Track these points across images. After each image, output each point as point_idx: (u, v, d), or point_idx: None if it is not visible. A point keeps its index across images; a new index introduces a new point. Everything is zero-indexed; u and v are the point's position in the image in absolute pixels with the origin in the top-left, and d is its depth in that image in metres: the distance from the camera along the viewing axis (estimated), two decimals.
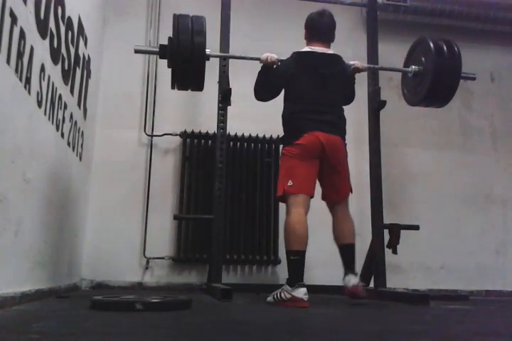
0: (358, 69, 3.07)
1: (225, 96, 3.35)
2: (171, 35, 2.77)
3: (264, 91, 2.93)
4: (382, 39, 3.95)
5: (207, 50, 2.75)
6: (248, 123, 3.96)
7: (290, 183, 2.71)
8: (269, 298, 2.70)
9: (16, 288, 2.11)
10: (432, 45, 3.04)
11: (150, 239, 3.75)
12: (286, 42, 4.25)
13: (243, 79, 3.78)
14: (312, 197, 2.83)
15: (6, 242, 2.00)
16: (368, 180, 3.72)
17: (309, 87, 2.86)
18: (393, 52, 4.33)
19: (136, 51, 2.91)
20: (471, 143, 4.49)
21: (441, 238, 4.19)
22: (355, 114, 4.09)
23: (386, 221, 3.58)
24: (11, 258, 2.07)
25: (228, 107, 3.43)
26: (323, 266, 3.88)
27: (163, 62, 4.02)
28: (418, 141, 4.16)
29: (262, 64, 2.93)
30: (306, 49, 2.94)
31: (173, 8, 4.15)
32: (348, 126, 4.24)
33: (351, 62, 3.06)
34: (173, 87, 2.88)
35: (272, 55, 2.89)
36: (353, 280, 2.72)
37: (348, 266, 2.80)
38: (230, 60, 3.47)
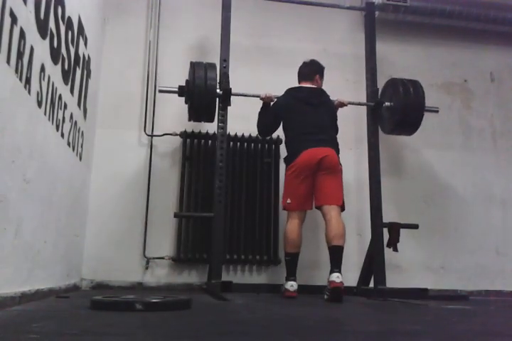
0: (342, 104, 3.60)
1: (225, 97, 3.36)
2: (188, 75, 3.41)
3: (265, 126, 3.49)
4: (382, 39, 3.96)
5: (217, 90, 3.37)
6: (248, 123, 3.96)
7: (289, 201, 3.28)
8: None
9: (16, 288, 2.11)
10: (400, 86, 3.64)
11: (150, 239, 3.75)
12: (286, 42, 4.29)
13: (243, 80, 3.80)
14: (310, 209, 3.32)
15: (5, 242, 2.00)
16: (367, 179, 3.72)
17: (302, 114, 3.35)
18: (393, 52, 4.36)
19: (160, 91, 3.53)
20: (471, 142, 4.49)
21: (441, 238, 4.20)
22: (354, 113, 4.11)
23: (385, 220, 3.58)
24: (10, 258, 2.07)
25: (228, 107, 3.43)
26: (323, 266, 3.88)
27: (164, 63, 4.06)
28: (418, 141, 4.16)
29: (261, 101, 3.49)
30: (297, 86, 3.50)
31: (173, 8, 4.18)
32: (347, 126, 4.28)
33: (335, 99, 3.55)
34: (189, 120, 3.50)
35: (269, 93, 3.45)
36: (334, 277, 2.98)
37: (334, 265, 3.08)
38: (231, 62, 3.48)
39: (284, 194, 3.36)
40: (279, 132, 3.98)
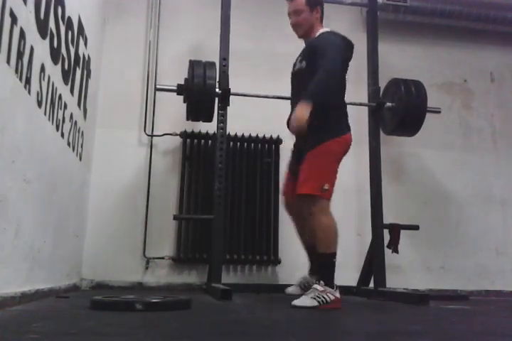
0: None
1: (224, 96, 3.36)
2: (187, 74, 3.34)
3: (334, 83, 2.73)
4: (382, 39, 3.95)
5: (216, 89, 3.30)
6: (248, 123, 3.96)
7: (326, 187, 2.61)
8: (306, 301, 2.50)
9: (16, 288, 2.11)
10: (402, 86, 3.58)
11: (150, 239, 3.74)
12: (286, 42, 4.28)
13: (243, 79, 3.80)
14: None
15: (5, 242, 2.00)
16: (367, 180, 3.72)
17: (344, 81, 2.89)
18: (393, 53, 4.35)
19: (158, 89, 3.51)
20: (471, 143, 4.49)
21: (441, 238, 4.19)
22: (356, 113, 4.10)
23: (386, 221, 3.58)
24: (10, 258, 2.07)
25: (228, 107, 3.43)
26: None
27: (164, 63, 4.06)
28: (418, 141, 4.15)
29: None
30: (339, 33, 2.88)
31: (173, 8, 4.17)
32: None
33: None
34: (188, 119, 3.39)
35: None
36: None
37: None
38: (230, 60, 3.48)
39: (319, 175, 2.64)
40: (279, 132, 3.99)
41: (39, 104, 2.33)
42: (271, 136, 4.00)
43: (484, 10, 4.37)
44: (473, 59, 4.63)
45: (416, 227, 3.59)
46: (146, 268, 3.72)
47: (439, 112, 3.76)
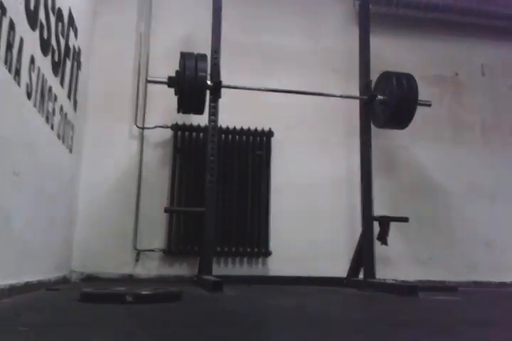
0: None
1: (215, 89, 3.35)
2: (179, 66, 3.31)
3: None
4: (374, 32, 3.95)
5: (208, 82, 3.30)
6: (240, 116, 3.96)
7: None
8: None
9: (5, 281, 2.11)
10: (394, 79, 3.60)
11: (141, 231, 3.74)
12: (277, 36, 4.27)
13: (234, 72, 3.80)
14: None
15: None
16: (358, 172, 3.74)
17: None
18: (385, 46, 4.35)
19: (149, 81, 3.51)
20: (461, 136, 4.51)
21: (431, 230, 4.23)
22: (346, 107, 4.12)
23: (376, 213, 3.60)
24: (0, 251, 2.06)
25: (220, 100, 3.43)
26: (314, 257, 3.91)
27: (155, 55, 4.04)
28: (409, 134, 4.17)
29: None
30: None
31: (165, 0, 4.14)
32: (338, 120, 4.30)
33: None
34: (179, 111, 3.39)
35: None
36: None
37: None
38: (222, 52, 3.47)
39: None
40: (271, 124, 4.00)
41: (29, 95, 2.31)
42: (262, 128, 4.00)
43: (476, 4, 4.38)
44: (465, 53, 4.65)
45: (405, 219, 3.62)
46: (137, 260, 3.72)
47: (430, 105, 3.77)
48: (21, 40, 2.16)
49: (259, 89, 3.64)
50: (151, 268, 3.74)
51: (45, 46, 2.52)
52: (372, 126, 3.81)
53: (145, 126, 3.91)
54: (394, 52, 4.43)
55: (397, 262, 4.06)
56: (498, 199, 4.43)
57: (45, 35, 2.52)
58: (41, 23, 2.43)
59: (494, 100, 4.63)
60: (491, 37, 4.67)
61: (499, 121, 4.59)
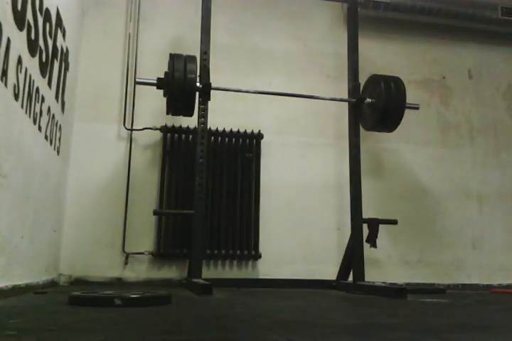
0: None
1: (205, 91, 3.34)
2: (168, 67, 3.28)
3: None
4: (363, 35, 3.97)
5: (197, 83, 3.29)
6: (229, 118, 3.95)
7: None
8: None
9: None
10: (382, 82, 3.62)
11: (129, 234, 3.72)
12: (266, 38, 4.28)
13: (224, 74, 3.79)
14: None
15: None
16: (347, 175, 3.74)
17: None
18: (373, 49, 4.38)
19: (137, 83, 3.46)
20: (449, 139, 4.54)
21: (419, 232, 4.25)
22: (336, 109, 4.13)
23: (365, 215, 3.61)
24: None
25: (209, 102, 3.41)
26: (303, 260, 3.92)
27: (144, 56, 4.02)
28: (396, 137, 4.19)
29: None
30: None
31: (154, 1, 4.13)
32: (327, 122, 4.31)
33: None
34: (168, 113, 3.36)
35: None
36: None
37: None
38: (211, 54, 3.46)
39: None
40: (260, 127, 4.00)
41: (16, 96, 2.28)
42: (252, 131, 4.00)
43: (463, 8, 4.43)
44: (452, 56, 4.69)
45: (394, 222, 3.63)
46: (126, 263, 3.69)
47: (418, 108, 3.81)
48: (8, 41, 2.13)
49: (248, 92, 3.63)
50: (140, 271, 3.72)
51: (32, 47, 2.49)
52: (361, 128, 3.83)
53: (134, 127, 3.89)
54: (382, 56, 4.46)
55: (386, 264, 4.07)
56: (486, 202, 4.46)
57: (33, 36, 2.49)
58: (29, 24, 2.40)
59: (481, 103, 4.68)
60: (477, 40, 4.72)
61: (486, 124, 4.63)
